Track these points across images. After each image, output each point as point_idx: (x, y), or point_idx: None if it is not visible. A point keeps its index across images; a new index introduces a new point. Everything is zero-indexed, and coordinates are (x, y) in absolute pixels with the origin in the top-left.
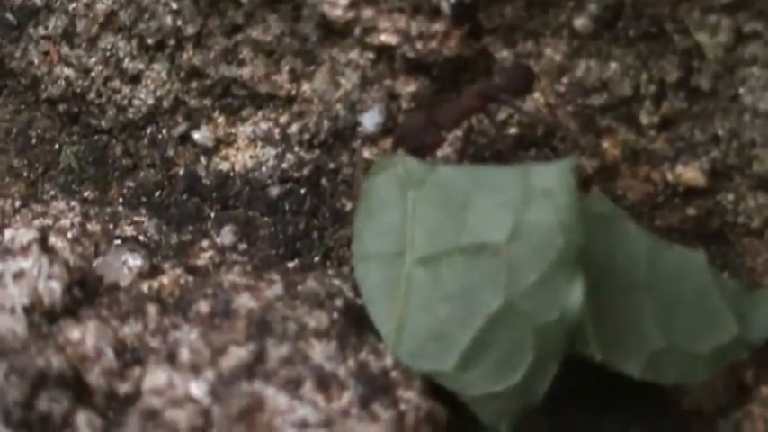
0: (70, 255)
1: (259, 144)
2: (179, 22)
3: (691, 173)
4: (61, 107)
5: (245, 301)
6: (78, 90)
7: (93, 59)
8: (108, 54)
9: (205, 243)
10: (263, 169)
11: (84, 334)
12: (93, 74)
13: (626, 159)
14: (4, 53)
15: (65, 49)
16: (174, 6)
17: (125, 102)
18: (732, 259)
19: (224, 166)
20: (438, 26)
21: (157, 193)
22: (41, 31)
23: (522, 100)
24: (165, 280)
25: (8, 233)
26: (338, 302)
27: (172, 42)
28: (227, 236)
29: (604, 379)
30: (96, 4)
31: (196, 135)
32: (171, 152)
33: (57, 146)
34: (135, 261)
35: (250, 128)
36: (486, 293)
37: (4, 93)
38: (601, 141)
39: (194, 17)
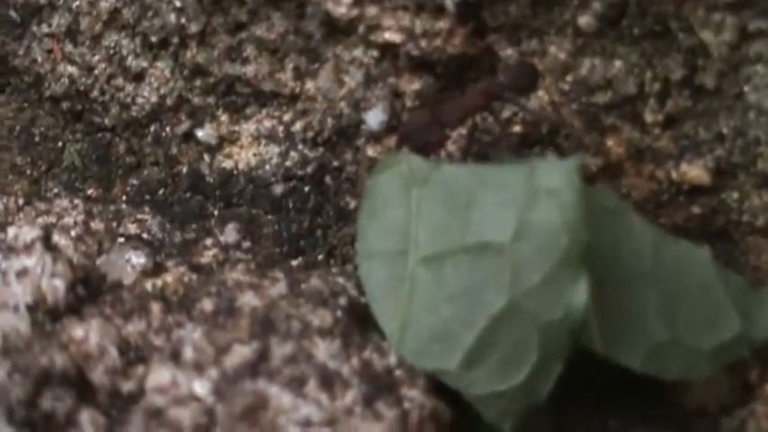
0: (74, 253)
1: (263, 142)
2: (183, 20)
3: (695, 171)
4: (64, 105)
5: (248, 300)
6: (82, 88)
7: (97, 57)
8: (111, 52)
9: (209, 241)
10: (267, 167)
11: (88, 332)
12: (96, 72)
13: (630, 157)
14: (7, 51)
15: (68, 47)
16: (178, 4)
17: (128, 99)
18: (737, 257)
19: (227, 164)
20: (442, 24)
21: (161, 191)
22: (45, 28)
23: (527, 98)
24: (168, 278)
25: (11, 231)
26: (342, 301)
27: (175, 40)
28: (230, 234)
29: (608, 378)
30: (100, 2)
31: (200, 133)
32: (174, 150)
33: (60, 144)
34: (138, 259)
35: (254, 126)
36: (491, 293)
37: (8, 90)
38: (605, 139)
39: (198, 15)
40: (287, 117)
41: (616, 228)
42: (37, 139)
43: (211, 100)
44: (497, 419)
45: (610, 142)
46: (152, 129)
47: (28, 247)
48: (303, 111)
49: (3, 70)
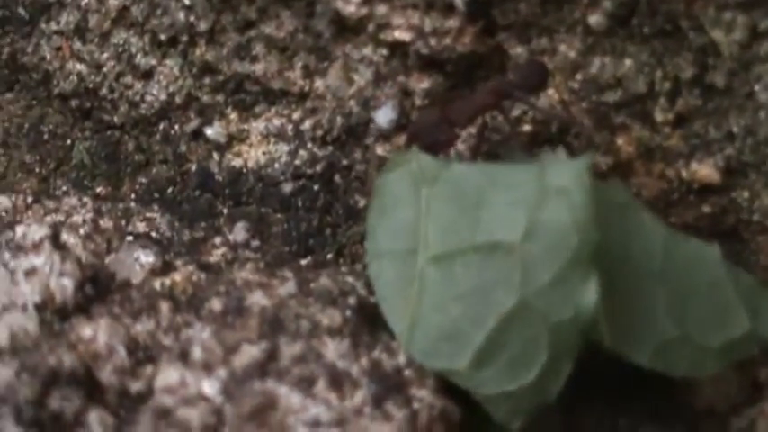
0: (82, 251)
1: (272, 140)
2: (192, 18)
3: (705, 170)
4: (73, 103)
5: (257, 299)
6: (90, 86)
7: (106, 55)
8: (120, 50)
9: (218, 240)
10: (276, 166)
11: (96, 331)
12: (105, 69)
13: (640, 156)
14: (15, 48)
15: (77, 45)
16: (187, 2)
17: (137, 97)
18: (746, 256)
19: (237, 163)
20: (452, 22)
21: (170, 190)
22: (53, 26)
23: (537, 97)
24: (177, 277)
25: (20, 229)
26: (351, 300)
27: (184, 38)
28: (239, 232)
29: (618, 377)
30: (108, 0)
31: (209, 131)
32: (183, 148)
33: (69, 141)
34: (147, 258)
35: (263, 124)
36: (500, 292)
37: (16, 88)
38: (615, 138)
39: (207, 13)
40: (296, 115)
41: (627, 223)
42: (46, 136)
43: (220, 98)
44: (507, 419)
45: (620, 141)
46: (161, 127)
47: (36, 246)
48: (312, 109)
49: (11, 68)
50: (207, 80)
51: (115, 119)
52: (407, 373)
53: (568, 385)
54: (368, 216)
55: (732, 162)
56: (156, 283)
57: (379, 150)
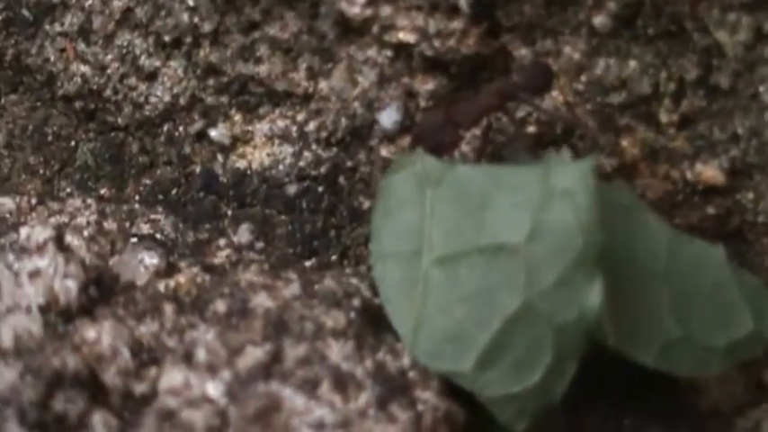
0: (86, 253)
1: (276, 142)
2: (196, 20)
3: (710, 171)
4: (77, 104)
5: (262, 301)
6: (95, 87)
7: (110, 56)
8: (124, 51)
9: (222, 241)
10: (281, 167)
11: (100, 333)
12: (109, 71)
13: (645, 158)
14: (19, 50)
15: (81, 46)
16: (191, 3)
17: (141, 99)
18: (751, 258)
19: (241, 164)
20: (456, 24)
21: (174, 191)
22: (57, 27)
23: (541, 98)
24: (181, 279)
25: (24, 231)
26: (356, 302)
27: (188, 39)
28: (244, 234)
29: (622, 378)
30: (113, 1)
31: (213, 133)
32: (188, 150)
33: (73, 143)
34: (151, 259)
35: (267, 125)
36: (505, 294)
37: (20, 89)
38: (620, 140)
39: (211, 14)
40: (300, 117)
41: (631, 224)
42: (50, 138)
43: (225, 99)
44: (511, 421)
45: (624, 142)
46: (165, 128)
47: (40, 248)
48: (317, 111)
49: (16, 69)
50: (211, 81)
51: (119, 120)
52: (412, 374)
53: (573, 385)
54: (372, 217)
55: (737, 163)
56: (161, 285)
57: (384, 152)
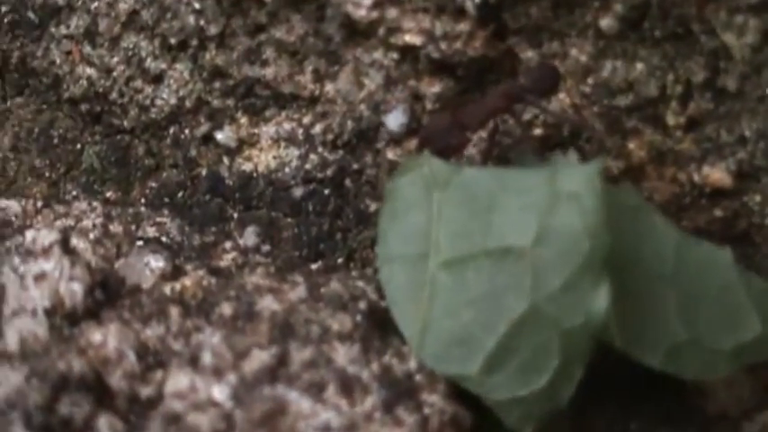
0: (92, 256)
1: (282, 144)
2: (202, 22)
3: (717, 174)
4: (83, 107)
5: (268, 304)
6: (100, 90)
7: (116, 59)
8: (130, 54)
9: (228, 244)
10: (287, 170)
11: (106, 336)
12: (115, 73)
13: (652, 160)
14: (25, 52)
15: (87, 49)
16: (197, 6)
17: (147, 102)
18: (758, 261)
19: (247, 167)
20: (463, 26)
21: (180, 194)
22: (63, 30)
23: (548, 100)
24: (187, 282)
25: (29, 234)
26: (362, 305)
27: (194, 42)
28: (250, 237)
29: (630, 381)
30: (119, 4)
31: (219, 135)
32: (194, 152)
33: (79, 146)
34: (157, 262)
35: (273, 128)
36: (512, 297)
37: (26, 92)
38: (627, 142)
39: (217, 17)
40: (306, 120)
41: (638, 227)
42: (55, 141)
43: (230, 102)
44: (518, 425)
45: (631, 145)
46: (171, 131)
47: (46, 251)
48: (323, 113)
49: (21, 72)
50: (217, 84)
51: (125, 123)
52: (418, 378)
53: (580, 388)
54: (379, 220)
55: (744, 166)
56: (167, 288)
57: (390, 154)
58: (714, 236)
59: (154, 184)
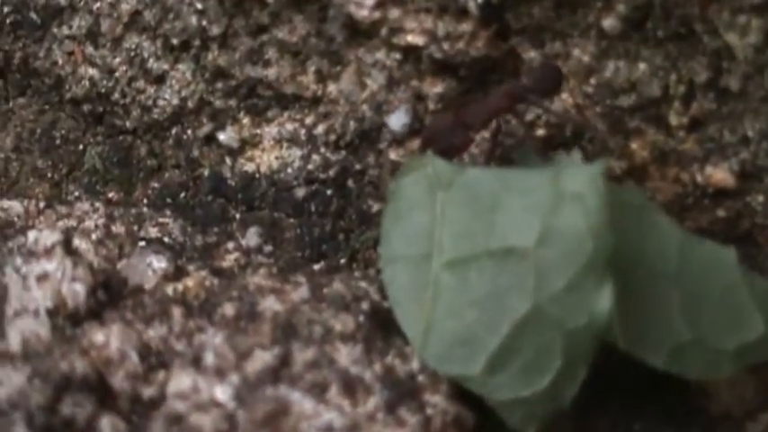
0: (94, 257)
1: (285, 145)
2: (204, 23)
3: (720, 174)
4: (85, 107)
5: (270, 304)
6: (103, 90)
7: (118, 59)
8: (132, 54)
9: (230, 245)
10: (289, 170)
11: (109, 337)
12: (117, 74)
13: (655, 160)
14: (27, 53)
15: (89, 49)
16: (199, 6)
17: (150, 102)
18: (761, 261)
19: (249, 167)
20: (465, 26)
21: (182, 195)
22: (65, 30)
23: (551, 101)
24: (189, 282)
25: (32, 235)
26: (364, 305)
27: (197, 42)
28: (252, 237)
29: (633, 381)
30: (121, 4)
31: (221, 136)
32: (196, 153)
33: (81, 146)
34: (160, 263)
35: (275, 129)
36: (514, 298)
37: (28, 93)
38: (629, 142)
39: (219, 17)
40: (309, 120)
41: (642, 225)
42: (58, 141)
43: (233, 103)
44: (521, 425)
45: (634, 145)
46: (173, 131)
47: (48, 252)
48: (325, 114)
49: (24, 73)
50: (219, 85)
51: (127, 124)
52: (421, 378)
53: (583, 388)
54: (382, 220)
55: (747, 166)
56: (169, 289)
57: (393, 155)
58: (717, 236)
59: (156, 185)
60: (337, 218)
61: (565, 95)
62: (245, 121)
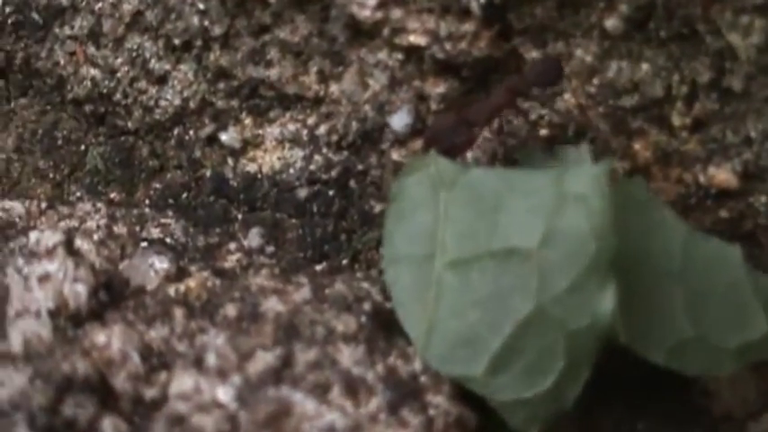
0: (96, 257)
1: (287, 145)
2: (206, 23)
3: (723, 174)
4: (87, 108)
5: (272, 305)
6: (104, 91)
7: (120, 60)
8: (134, 54)
9: (232, 245)
10: (291, 171)
11: (110, 338)
12: (119, 74)
13: (657, 161)
14: (29, 53)
15: (91, 50)
16: (201, 6)
17: (151, 102)
18: (764, 261)
19: (251, 168)
20: (468, 27)
21: (184, 195)
22: (67, 31)
23: (553, 100)
24: (191, 283)
25: (33, 235)
26: (366, 306)
27: (199, 43)
28: (254, 238)
29: (636, 380)
30: (123, 4)
31: (223, 136)
32: (198, 153)
33: (83, 147)
34: (161, 264)
35: (278, 129)
36: (517, 299)
37: (30, 93)
38: (632, 143)
39: (221, 17)
40: (311, 120)
41: (647, 221)
42: (59, 142)
43: (235, 103)
44: (523, 426)
45: (637, 145)
46: (175, 132)
47: (50, 252)
48: (327, 114)
49: (25, 73)
50: (221, 85)
51: (129, 124)
52: (423, 379)
53: (587, 388)
54: (385, 221)
55: (750, 166)
56: (171, 290)
57: (395, 155)
58: (720, 237)
59: (158, 185)
60: (339, 218)
61: (567, 96)
62: (247, 121)
